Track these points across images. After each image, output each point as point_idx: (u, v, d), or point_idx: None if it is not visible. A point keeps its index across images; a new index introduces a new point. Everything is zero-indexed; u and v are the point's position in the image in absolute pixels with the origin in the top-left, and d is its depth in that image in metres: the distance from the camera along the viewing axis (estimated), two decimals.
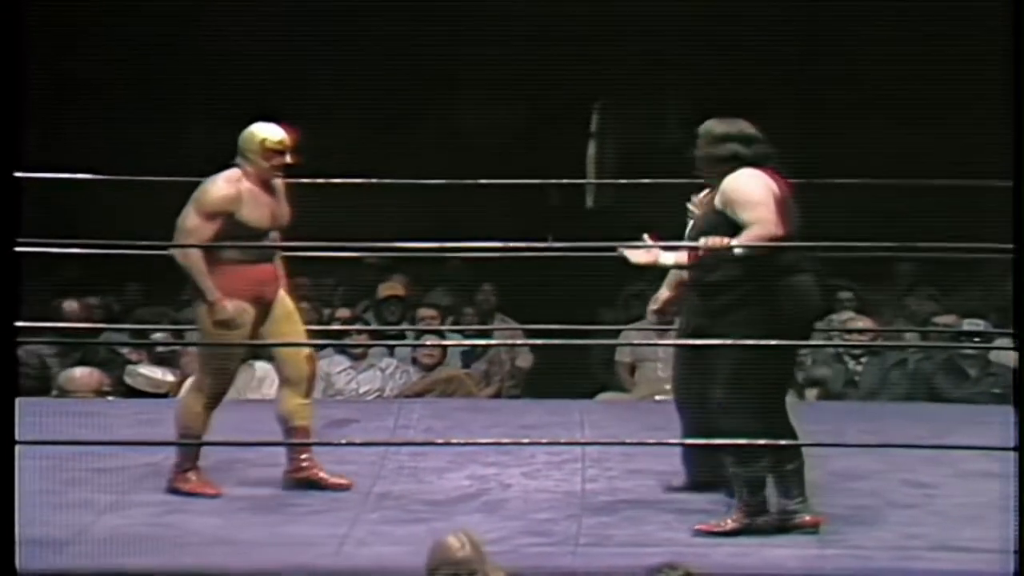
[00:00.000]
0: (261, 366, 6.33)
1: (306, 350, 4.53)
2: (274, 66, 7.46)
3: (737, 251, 4.00)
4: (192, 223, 4.36)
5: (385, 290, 7.17)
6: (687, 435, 4.41)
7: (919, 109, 7.42)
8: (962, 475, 4.63)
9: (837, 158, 5.16)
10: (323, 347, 6.61)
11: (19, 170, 3.29)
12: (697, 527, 4.11)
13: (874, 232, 4.33)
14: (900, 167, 4.94)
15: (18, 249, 3.35)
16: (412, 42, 7.64)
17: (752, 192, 4.03)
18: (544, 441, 4.93)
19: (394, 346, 6.73)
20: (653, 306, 4.65)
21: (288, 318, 4.54)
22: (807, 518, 4.12)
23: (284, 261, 4.58)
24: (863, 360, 6.51)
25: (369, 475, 4.68)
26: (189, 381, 4.53)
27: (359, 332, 6.46)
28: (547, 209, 7.82)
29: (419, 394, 6.36)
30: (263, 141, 4.43)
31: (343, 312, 6.90)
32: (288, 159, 4.45)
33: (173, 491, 4.46)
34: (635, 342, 6.38)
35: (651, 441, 4.73)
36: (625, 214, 4.86)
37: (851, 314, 6.88)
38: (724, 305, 4.05)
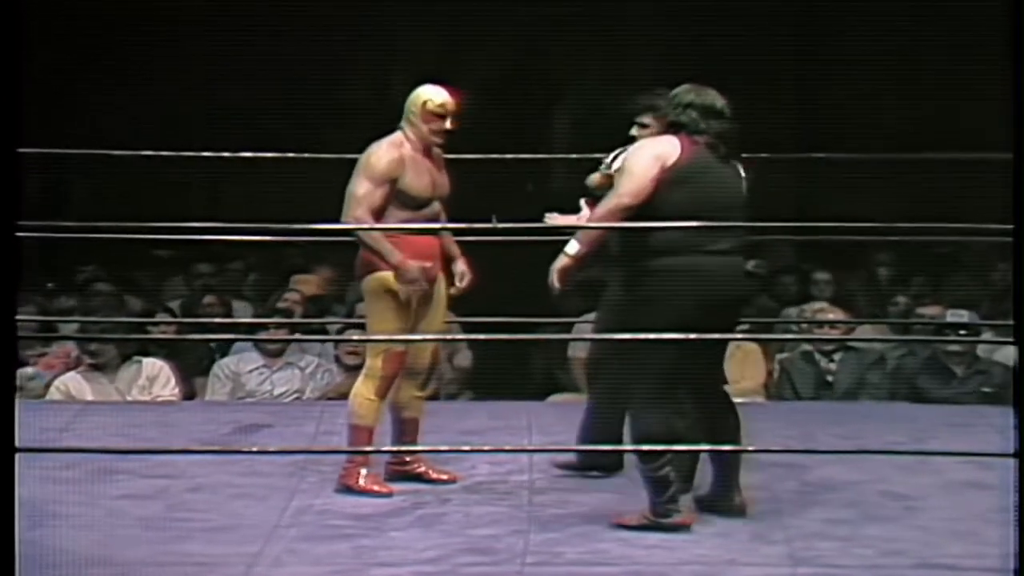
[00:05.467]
0: (151, 363, 6.27)
1: (394, 345, 4.69)
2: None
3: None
4: (362, 190, 4.57)
5: (299, 283, 7.23)
6: (593, 421, 4.77)
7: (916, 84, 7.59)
8: (947, 485, 4.69)
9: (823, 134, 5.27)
10: (231, 343, 6.59)
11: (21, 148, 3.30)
12: (614, 520, 4.29)
13: (856, 213, 4.41)
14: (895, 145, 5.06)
15: (20, 234, 3.35)
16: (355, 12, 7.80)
17: (632, 160, 4.26)
18: (487, 448, 4.98)
19: (308, 341, 6.70)
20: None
21: (439, 304, 4.73)
22: (737, 502, 4.35)
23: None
24: (836, 357, 6.57)
25: (286, 488, 4.68)
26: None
27: (278, 326, 6.44)
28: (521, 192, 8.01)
29: (344, 395, 6.32)
30: (425, 103, 4.61)
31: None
32: (448, 124, 4.62)
33: (343, 489, 4.64)
34: (583, 336, 6.41)
35: (605, 447, 4.77)
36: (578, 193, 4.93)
37: (821, 304, 6.93)
38: (611, 290, 4.29)
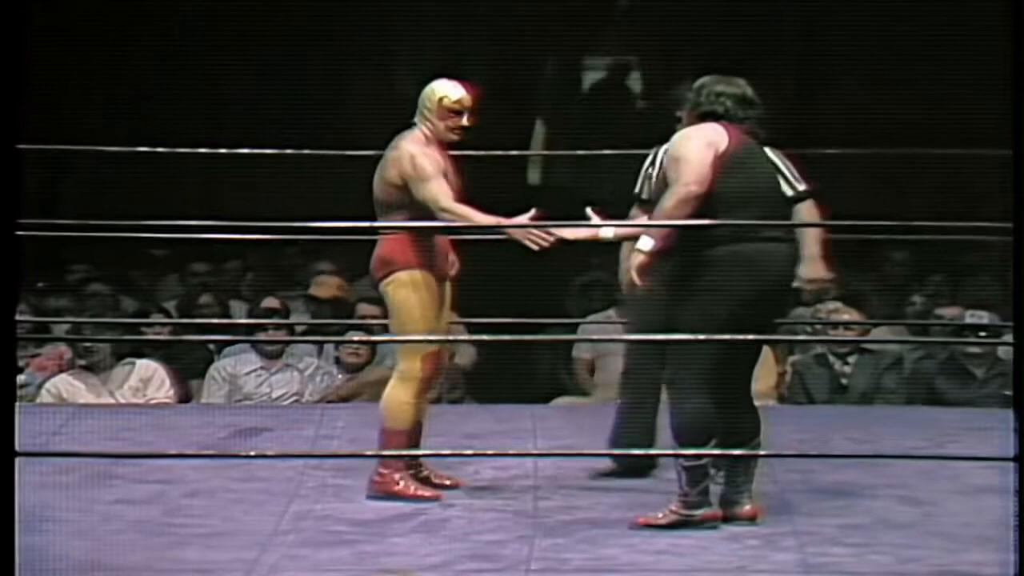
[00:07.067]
0: (144, 364, 6.28)
1: (431, 345, 4.63)
2: None
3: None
4: (431, 186, 4.50)
5: (321, 290, 7.24)
6: (625, 422, 4.82)
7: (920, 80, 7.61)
8: (966, 490, 4.69)
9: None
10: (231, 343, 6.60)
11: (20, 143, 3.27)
12: (636, 520, 4.30)
13: (871, 213, 4.42)
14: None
15: (20, 233, 3.32)
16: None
17: (684, 148, 4.25)
18: (490, 452, 4.97)
19: (309, 342, 6.71)
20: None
21: (447, 305, 4.72)
22: (747, 508, 4.36)
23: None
24: (851, 360, 6.57)
25: (284, 493, 4.69)
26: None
27: (277, 327, 6.44)
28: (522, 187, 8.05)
29: (344, 398, 6.36)
30: (441, 99, 4.57)
31: (272, 302, 6.87)
32: (465, 121, 4.58)
33: (381, 496, 4.59)
34: (592, 337, 6.43)
35: (615, 451, 4.77)
36: (580, 190, 4.93)
37: (835, 304, 6.92)
38: (662, 281, 4.24)
